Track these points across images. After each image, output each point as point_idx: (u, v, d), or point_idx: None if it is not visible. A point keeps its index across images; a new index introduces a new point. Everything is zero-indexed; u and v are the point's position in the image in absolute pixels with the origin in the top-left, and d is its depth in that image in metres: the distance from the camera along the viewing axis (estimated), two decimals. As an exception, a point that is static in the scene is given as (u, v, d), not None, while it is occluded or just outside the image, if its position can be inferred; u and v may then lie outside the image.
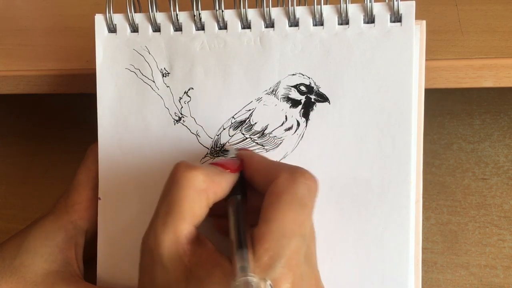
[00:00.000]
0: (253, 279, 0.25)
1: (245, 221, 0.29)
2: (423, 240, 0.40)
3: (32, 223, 0.38)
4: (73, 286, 0.35)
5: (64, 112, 0.55)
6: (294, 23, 0.35)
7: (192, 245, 0.29)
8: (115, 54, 0.37)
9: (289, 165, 0.31)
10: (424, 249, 0.41)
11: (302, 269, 0.28)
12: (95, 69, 0.38)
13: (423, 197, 0.35)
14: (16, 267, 0.36)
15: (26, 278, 0.35)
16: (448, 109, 0.47)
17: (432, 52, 0.37)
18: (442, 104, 0.47)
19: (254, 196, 0.32)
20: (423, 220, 0.42)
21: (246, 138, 0.36)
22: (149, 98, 0.37)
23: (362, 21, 0.34)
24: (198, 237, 0.30)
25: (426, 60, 0.34)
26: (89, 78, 0.39)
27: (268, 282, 0.26)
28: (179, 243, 0.28)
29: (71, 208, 0.38)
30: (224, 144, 0.36)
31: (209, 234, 0.31)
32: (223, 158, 0.35)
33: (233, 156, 0.34)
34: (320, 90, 0.35)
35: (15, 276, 0.35)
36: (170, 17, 0.36)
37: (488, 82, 0.37)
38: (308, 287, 0.28)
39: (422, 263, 0.40)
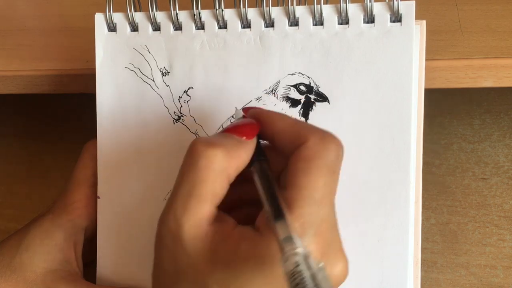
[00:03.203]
0: (303, 250, 0.24)
1: (277, 187, 0.28)
2: (423, 240, 0.40)
3: (31, 222, 0.38)
4: (73, 285, 0.35)
5: (64, 112, 0.55)
6: (294, 22, 0.35)
7: (213, 226, 0.28)
8: (115, 53, 0.37)
9: (317, 128, 0.29)
10: (424, 249, 0.41)
11: (330, 235, 0.27)
12: (95, 69, 0.38)
13: (423, 197, 0.35)
14: (15, 266, 0.36)
15: (25, 277, 0.35)
16: (448, 109, 0.47)
17: (432, 52, 0.37)
18: (442, 104, 0.47)
19: (272, 157, 0.30)
20: (423, 220, 0.42)
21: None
22: (149, 97, 0.37)
23: (362, 21, 0.34)
24: (219, 215, 0.28)
25: (426, 60, 0.34)
26: (89, 78, 0.39)
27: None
28: (201, 226, 0.27)
29: (70, 206, 0.38)
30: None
31: None
32: (237, 121, 0.32)
33: (240, 118, 0.32)
34: (320, 89, 0.35)
35: (14, 275, 0.35)
36: (170, 16, 0.36)
37: (488, 82, 0.37)
38: (335, 253, 0.28)
39: (422, 263, 0.40)
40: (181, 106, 0.37)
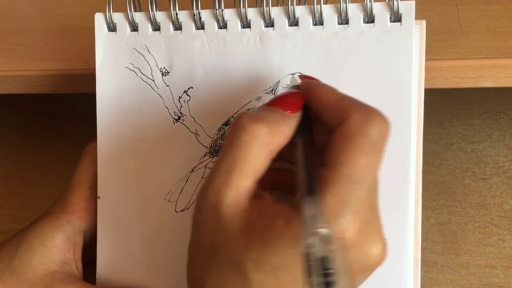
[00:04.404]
0: (325, 231, 0.23)
1: (315, 163, 0.27)
2: (423, 240, 0.40)
3: (31, 224, 0.38)
4: (72, 286, 0.35)
5: (64, 112, 0.55)
6: (294, 22, 0.35)
7: (252, 202, 0.27)
8: (115, 53, 0.37)
9: (362, 103, 0.28)
10: (424, 249, 0.41)
11: (368, 216, 0.27)
12: (95, 69, 0.38)
13: (423, 197, 0.35)
14: (15, 267, 0.36)
15: (24, 278, 0.35)
16: (448, 109, 0.47)
17: (432, 52, 0.37)
18: (442, 104, 0.47)
19: (318, 130, 0.29)
20: (423, 220, 0.42)
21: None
22: (149, 97, 0.37)
23: (362, 21, 0.34)
24: (257, 192, 0.28)
25: (426, 60, 0.34)
26: (89, 78, 0.39)
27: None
28: (241, 200, 0.27)
29: (69, 208, 0.38)
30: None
31: None
32: (284, 92, 0.31)
33: (295, 86, 0.32)
34: (320, 89, 0.35)
35: (13, 277, 0.35)
36: (170, 16, 0.36)
37: (488, 82, 0.37)
38: (374, 233, 0.27)
39: (422, 263, 0.40)
40: (181, 106, 0.37)
